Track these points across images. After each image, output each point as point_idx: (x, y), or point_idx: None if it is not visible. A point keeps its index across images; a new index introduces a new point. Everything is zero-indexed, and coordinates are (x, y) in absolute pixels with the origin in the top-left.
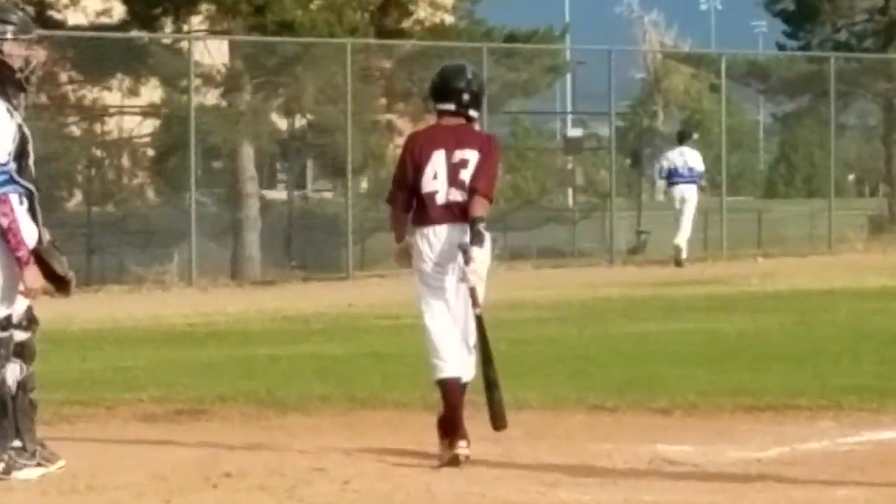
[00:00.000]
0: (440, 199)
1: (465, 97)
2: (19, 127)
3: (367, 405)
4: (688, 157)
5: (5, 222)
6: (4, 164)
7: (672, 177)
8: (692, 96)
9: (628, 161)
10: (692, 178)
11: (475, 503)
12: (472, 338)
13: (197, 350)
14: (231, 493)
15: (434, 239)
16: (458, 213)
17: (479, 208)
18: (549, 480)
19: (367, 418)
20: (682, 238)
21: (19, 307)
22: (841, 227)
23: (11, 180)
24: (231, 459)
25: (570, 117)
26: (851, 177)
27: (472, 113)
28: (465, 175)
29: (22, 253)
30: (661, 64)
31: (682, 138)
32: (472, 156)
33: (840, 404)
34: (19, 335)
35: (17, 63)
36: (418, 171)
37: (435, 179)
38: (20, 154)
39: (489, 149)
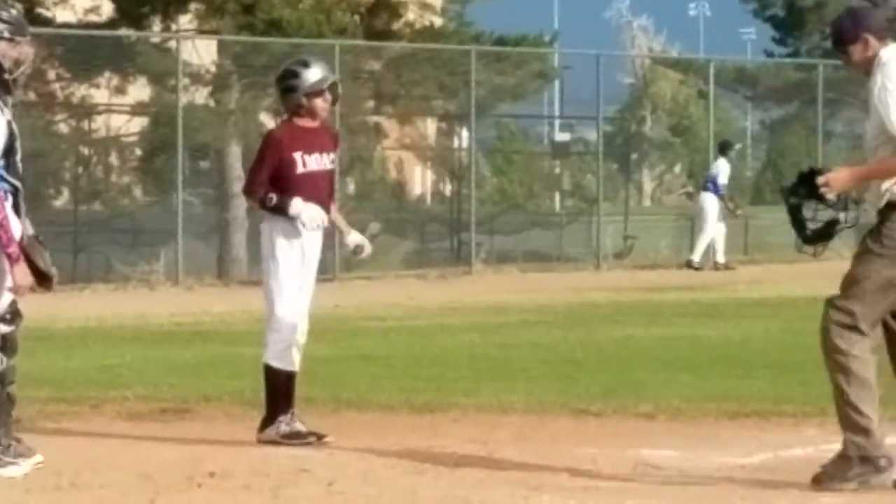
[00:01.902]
0: None
1: None
2: (9, 123)
3: (352, 407)
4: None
5: None
6: None
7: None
8: (680, 102)
9: (615, 166)
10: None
11: None
12: None
13: (182, 349)
14: (216, 492)
15: None
16: None
17: None
18: (534, 484)
19: (353, 420)
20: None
21: (4, 300)
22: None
23: (1, 178)
24: (216, 459)
25: (557, 121)
26: None
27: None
28: None
29: (12, 249)
30: (649, 69)
31: (723, 149)
32: None
33: (825, 411)
34: (2, 328)
35: (6, 63)
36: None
37: None
38: (8, 151)
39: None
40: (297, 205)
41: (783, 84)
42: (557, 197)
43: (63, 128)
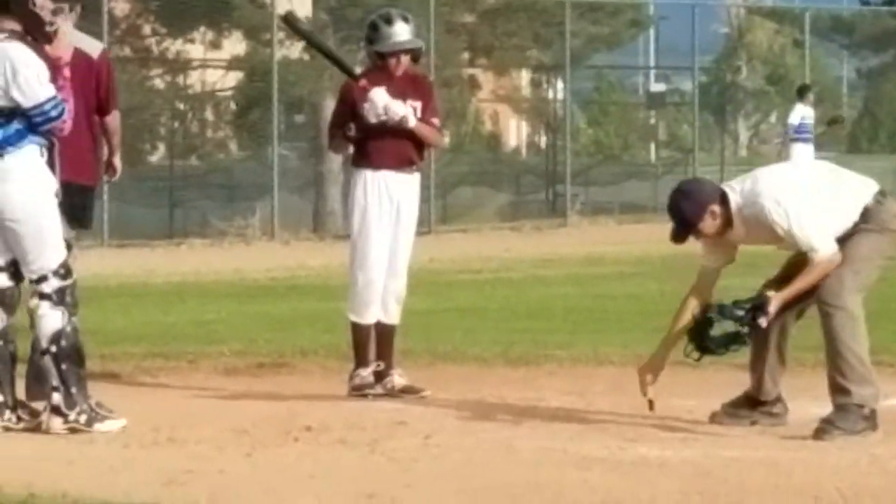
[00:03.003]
0: None
1: None
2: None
3: (448, 359)
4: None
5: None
6: (54, 98)
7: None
8: (775, 51)
9: (711, 116)
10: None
11: (556, 459)
12: None
13: (278, 304)
14: (312, 446)
15: None
16: None
17: None
18: (631, 436)
19: (449, 373)
20: None
21: (58, 257)
22: None
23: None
24: (312, 413)
25: (653, 72)
26: None
27: None
28: None
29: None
30: (744, 19)
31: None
32: None
33: None
34: (59, 282)
35: (47, 17)
36: None
37: None
38: None
39: None
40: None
41: (880, 32)
42: (653, 148)
43: (158, 83)
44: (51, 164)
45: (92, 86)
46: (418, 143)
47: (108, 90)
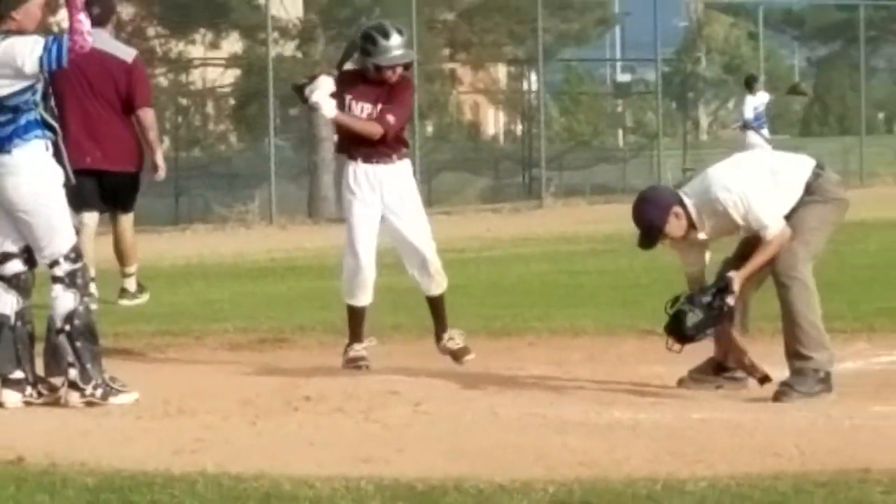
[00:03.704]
0: None
1: None
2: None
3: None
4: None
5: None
6: (45, 40)
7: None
8: (732, 43)
9: (673, 104)
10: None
11: (537, 423)
12: None
13: (277, 283)
14: (311, 415)
15: None
16: None
17: None
18: (606, 400)
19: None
20: None
21: (68, 241)
22: (872, 162)
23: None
24: (311, 384)
25: (619, 64)
26: (881, 115)
27: None
28: None
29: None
30: (702, 13)
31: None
32: None
33: (873, 327)
34: (69, 266)
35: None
36: None
37: None
38: (45, 95)
39: None
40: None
41: (828, 24)
42: (621, 134)
43: (163, 81)
44: (58, 156)
45: (126, 86)
46: (397, 139)
47: (139, 89)
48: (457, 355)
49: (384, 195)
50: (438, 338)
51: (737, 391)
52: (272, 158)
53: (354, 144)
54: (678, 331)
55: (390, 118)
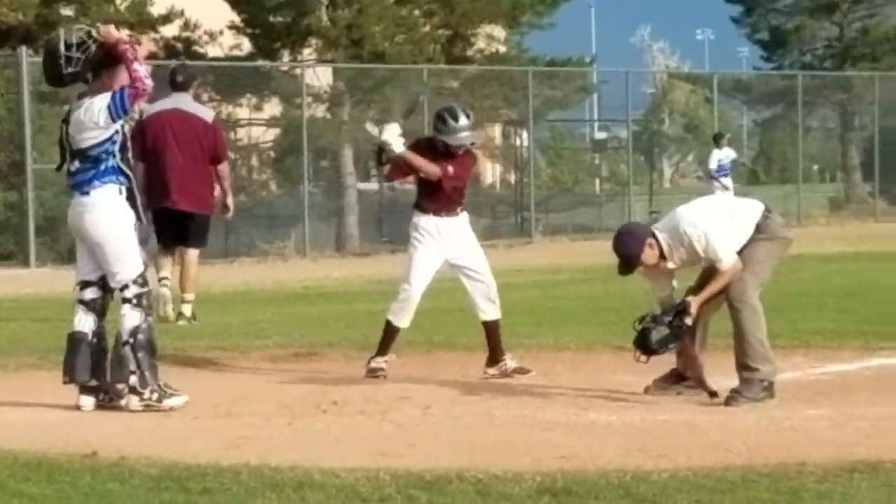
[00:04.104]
0: None
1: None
2: (122, 126)
3: (442, 347)
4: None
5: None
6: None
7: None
8: (691, 106)
9: (642, 157)
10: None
11: (527, 423)
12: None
13: (310, 307)
14: (338, 416)
15: None
16: None
17: None
18: (584, 405)
19: (443, 358)
20: None
21: (138, 268)
22: (808, 206)
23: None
24: (337, 391)
25: (596, 124)
26: (816, 167)
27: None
28: None
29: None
30: (666, 81)
31: (716, 140)
32: None
33: (808, 343)
34: (138, 289)
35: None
36: None
37: None
38: (122, 148)
39: None
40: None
41: (772, 90)
42: (598, 182)
43: None
44: (132, 199)
45: (207, 142)
46: (460, 195)
47: (218, 145)
48: (523, 370)
49: (451, 243)
50: (496, 360)
51: (694, 397)
52: (306, 202)
53: (427, 200)
54: (644, 345)
55: (450, 168)
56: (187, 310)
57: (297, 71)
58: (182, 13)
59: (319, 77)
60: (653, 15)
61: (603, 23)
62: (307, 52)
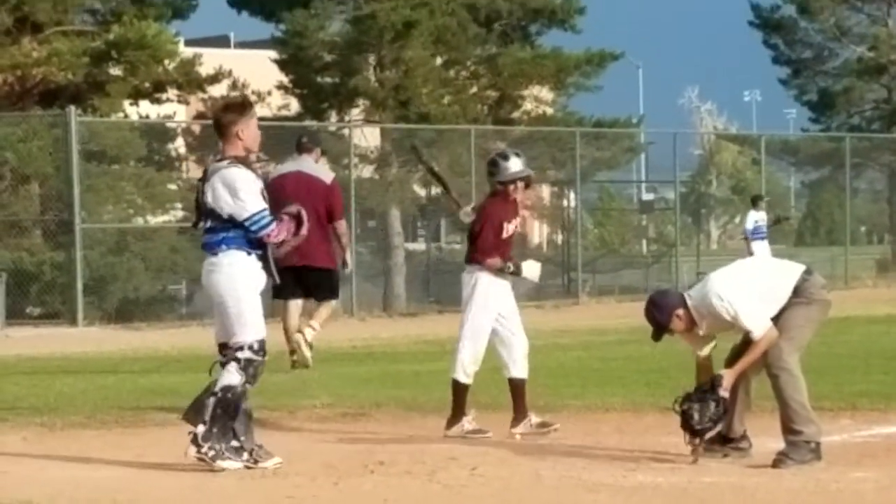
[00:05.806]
0: None
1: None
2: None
3: (488, 408)
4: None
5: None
6: (263, 211)
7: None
8: (738, 168)
9: (689, 218)
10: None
11: (573, 484)
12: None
13: (358, 366)
14: (384, 477)
15: None
16: None
17: None
18: (631, 466)
19: (489, 419)
20: None
21: (258, 333)
22: (855, 268)
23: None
24: (384, 451)
25: (644, 185)
26: (863, 229)
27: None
28: None
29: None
30: (714, 143)
31: (754, 202)
32: None
33: (855, 406)
34: (250, 354)
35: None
36: None
37: None
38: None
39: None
40: (528, 268)
41: (819, 152)
42: (644, 243)
43: None
44: (265, 262)
45: (327, 202)
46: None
47: (335, 205)
48: (547, 424)
49: (501, 302)
50: (524, 417)
51: (741, 459)
52: (353, 262)
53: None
54: (691, 429)
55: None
56: (309, 334)
57: (345, 131)
58: (230, 73)
59: (367, 137)
60: (700, 76)
61: (651, 84)
62: (355, 113)
